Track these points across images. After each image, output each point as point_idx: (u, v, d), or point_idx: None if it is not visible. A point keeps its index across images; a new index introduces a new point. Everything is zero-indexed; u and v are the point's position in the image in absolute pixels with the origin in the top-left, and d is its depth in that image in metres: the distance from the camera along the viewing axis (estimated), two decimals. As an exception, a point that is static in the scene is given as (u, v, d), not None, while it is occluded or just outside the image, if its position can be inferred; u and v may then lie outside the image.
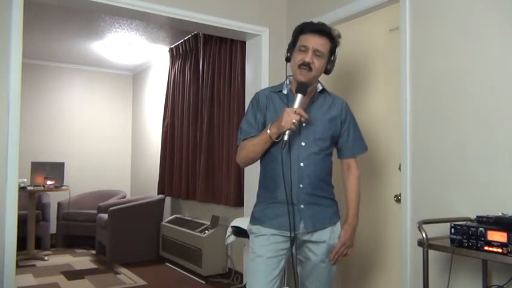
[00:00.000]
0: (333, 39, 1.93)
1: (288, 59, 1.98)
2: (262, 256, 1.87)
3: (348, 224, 1.98)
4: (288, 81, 2.00)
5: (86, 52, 6.00)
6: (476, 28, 2.12)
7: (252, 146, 1.91)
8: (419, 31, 2.39)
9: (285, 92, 1.98)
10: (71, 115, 6.64)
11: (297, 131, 1.86)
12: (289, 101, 1.91)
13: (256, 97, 2.03)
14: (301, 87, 1.84)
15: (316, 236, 1.92)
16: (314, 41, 1.88)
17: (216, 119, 4.59)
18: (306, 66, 1.87)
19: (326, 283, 1.98)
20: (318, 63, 1.89)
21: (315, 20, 1.99)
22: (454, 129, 2.19)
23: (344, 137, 2.01)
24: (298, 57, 1.90)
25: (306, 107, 1.92)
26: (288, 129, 1.76)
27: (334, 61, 1.99)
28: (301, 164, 1.89)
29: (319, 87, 2.01)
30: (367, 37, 2.82)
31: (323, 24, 1.95)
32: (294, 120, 1.75)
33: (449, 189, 2.20)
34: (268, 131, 1.83)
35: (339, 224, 1.98)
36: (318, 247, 1.92)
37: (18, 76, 2.56)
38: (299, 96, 1.82)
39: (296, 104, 1.80)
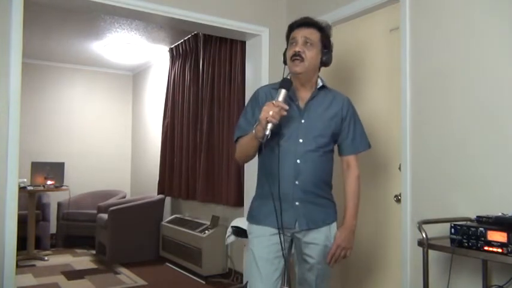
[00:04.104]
0: (321, 29, 1.94)
1: (285, 61, 1.98)
2: (262, 258, 1.85)
3: (343, 225, 1.93)
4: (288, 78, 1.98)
5: (86, 52, 6.00)
6: (476, 28, 2.12)
7: (241, 145, 1.93)
8: (419, 31, 2.39)
9: None
10: (71, 115, 6.63)
11: (296, 128, 1.87)
12: (289, 97, 1.88)
13: (255, 94, 2.02)
14: (285, 82, 1.80)
15: (310, 237, 1.90)
16: (302, 32, 1.90)
17: (216, 119, 4.58)
18: (297, 56, 1.86)
19: (323, 281, 1.97)
20: (309, 53, 1.88)
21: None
22: (454, 129, 2.19)
23: (344, 134, 1.98)
24: (290, 52, 1.91)
25: (306, 103, 1.92)
26: (267, 122, 1.69)
27: (329, 52, 1.97)
28: (298, 161, 1.87)
29: (319, 83, 1.98)
30: (367, 37, 2.82)
31: (309, 17, 1.96)
32: (271, 112, 1.68)
33: (449, 189, 2.20)
34: (254, 130, 1.78)
35: (335, 225, 1.95)
36: (313, 250, 1.91)
37: (18, 76, 2.56)
38: (282, 91, 1.76)
39: (279, 98, 1.74)
